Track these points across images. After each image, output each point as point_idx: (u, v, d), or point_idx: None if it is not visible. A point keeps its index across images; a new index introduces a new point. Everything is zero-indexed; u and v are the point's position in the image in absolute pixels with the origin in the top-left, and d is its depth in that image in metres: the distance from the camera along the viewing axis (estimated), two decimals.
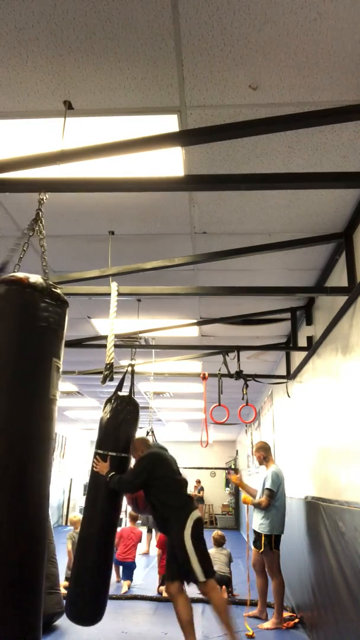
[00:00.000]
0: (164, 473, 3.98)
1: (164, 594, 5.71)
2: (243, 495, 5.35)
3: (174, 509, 3.85)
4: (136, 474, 3.93)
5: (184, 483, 4.08)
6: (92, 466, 3.96)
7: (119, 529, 6.23)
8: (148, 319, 5.25)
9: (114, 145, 2.13)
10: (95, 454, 3.99)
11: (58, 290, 2.07)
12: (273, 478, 5.04)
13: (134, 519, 7.35)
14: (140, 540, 6.96)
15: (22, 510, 1.80)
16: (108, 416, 4.00)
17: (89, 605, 3.73)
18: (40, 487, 1.89)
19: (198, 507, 4.19)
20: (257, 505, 5.06)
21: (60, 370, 2.06)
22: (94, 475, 3.94)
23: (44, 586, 1.86)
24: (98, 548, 3.77)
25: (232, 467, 15.43)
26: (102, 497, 3.89)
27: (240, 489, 5.33)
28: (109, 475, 3.81)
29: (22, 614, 1.74)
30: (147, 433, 6.10)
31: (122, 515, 14.46)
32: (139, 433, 4.39)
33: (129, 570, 6.51)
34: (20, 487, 1.80)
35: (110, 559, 3.94)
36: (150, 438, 5.40)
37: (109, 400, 4.09)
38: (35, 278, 2.01)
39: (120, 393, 4.18)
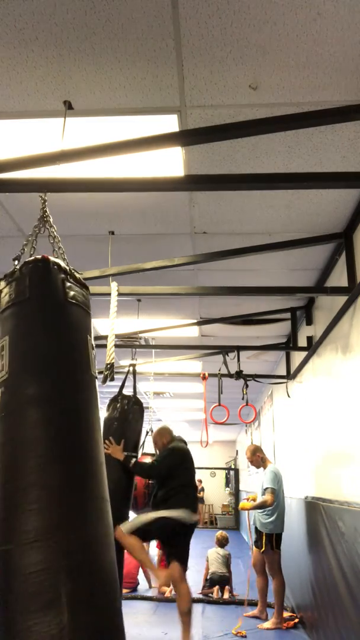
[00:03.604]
0: (181, 472, 4.18)
1: (167, 594, 5.70)
2: (240, 503, 5.39)
3: (173, 498, 4.04)
4: (167, 466, 4.17)
5: (192, 482, 4.27)
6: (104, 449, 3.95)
7: None
8: (148, 319, 5.25)
9: (114, 145, 2.13)
10: (105, 440, 3.94)
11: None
12: (271, 477, 5.04)
13: None
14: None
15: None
16: (111, 415, 4.05)
17: None
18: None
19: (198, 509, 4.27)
20: (262, 505, 4.99)
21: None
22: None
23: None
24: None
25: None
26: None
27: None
28: (132, 462, 3.94)
29: None
30: (147, 433, 6.09)
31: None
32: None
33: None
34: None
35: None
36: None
37: (113, 400, 4.14)
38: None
39: (123, 392, 4.23)
